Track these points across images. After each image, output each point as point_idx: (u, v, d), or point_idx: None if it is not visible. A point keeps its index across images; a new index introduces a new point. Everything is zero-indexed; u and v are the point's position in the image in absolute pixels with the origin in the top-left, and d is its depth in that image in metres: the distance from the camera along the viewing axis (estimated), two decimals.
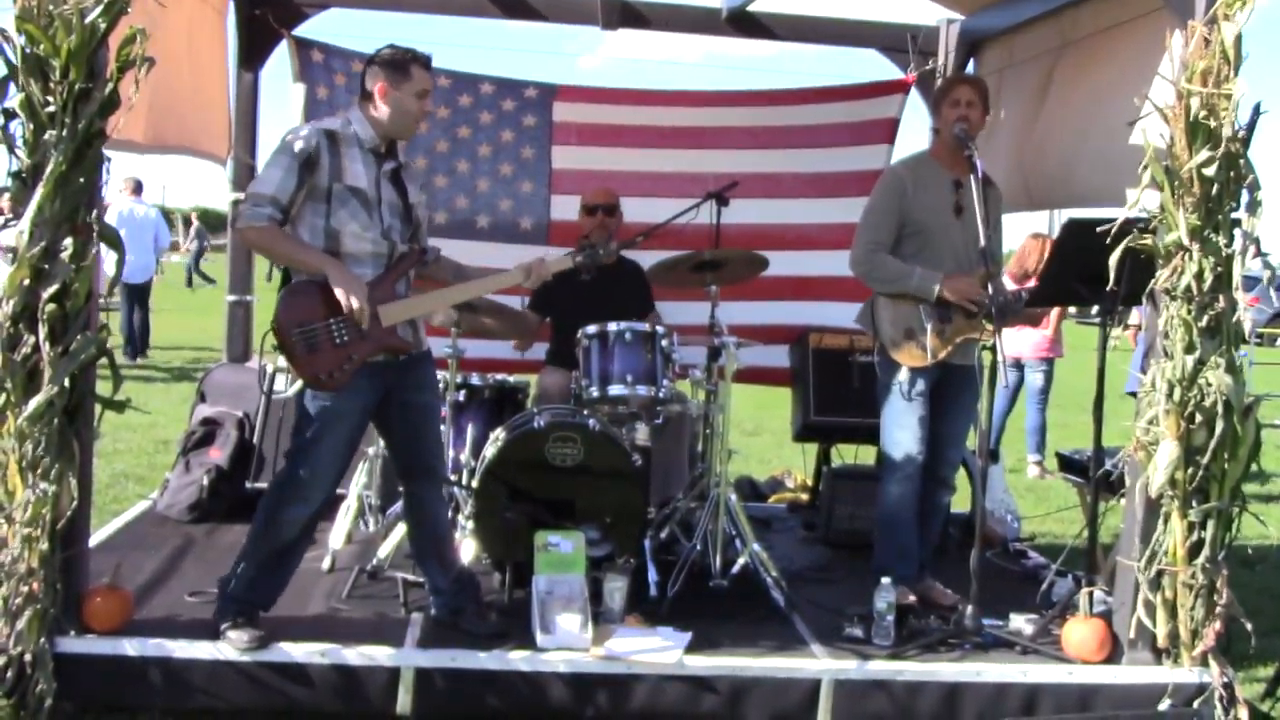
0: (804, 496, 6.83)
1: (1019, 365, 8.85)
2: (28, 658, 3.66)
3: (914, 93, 6.63)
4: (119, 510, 5.95)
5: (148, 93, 3.82)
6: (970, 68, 6.49)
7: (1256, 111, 3.86)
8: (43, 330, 3.60)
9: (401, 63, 3.94)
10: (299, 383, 3.93)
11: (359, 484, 5.28)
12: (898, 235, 4.74)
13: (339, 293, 3.81)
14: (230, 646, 3.85)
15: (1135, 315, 8.99)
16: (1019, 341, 8.76)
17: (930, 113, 4.92)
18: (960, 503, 5.58)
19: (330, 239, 3.91)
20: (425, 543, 4.30)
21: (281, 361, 6.16)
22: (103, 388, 3.89)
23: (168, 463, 6.76)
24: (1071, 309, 8.47)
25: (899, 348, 4.70)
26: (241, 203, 3.90)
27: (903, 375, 4.71)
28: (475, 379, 5.40)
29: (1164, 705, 3.99)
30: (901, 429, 4.74)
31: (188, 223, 30.51)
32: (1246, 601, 4.13)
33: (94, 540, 4.50)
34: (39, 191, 3.58)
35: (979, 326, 4.59)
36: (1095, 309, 4.58)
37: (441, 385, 5.01)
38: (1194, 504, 3.97)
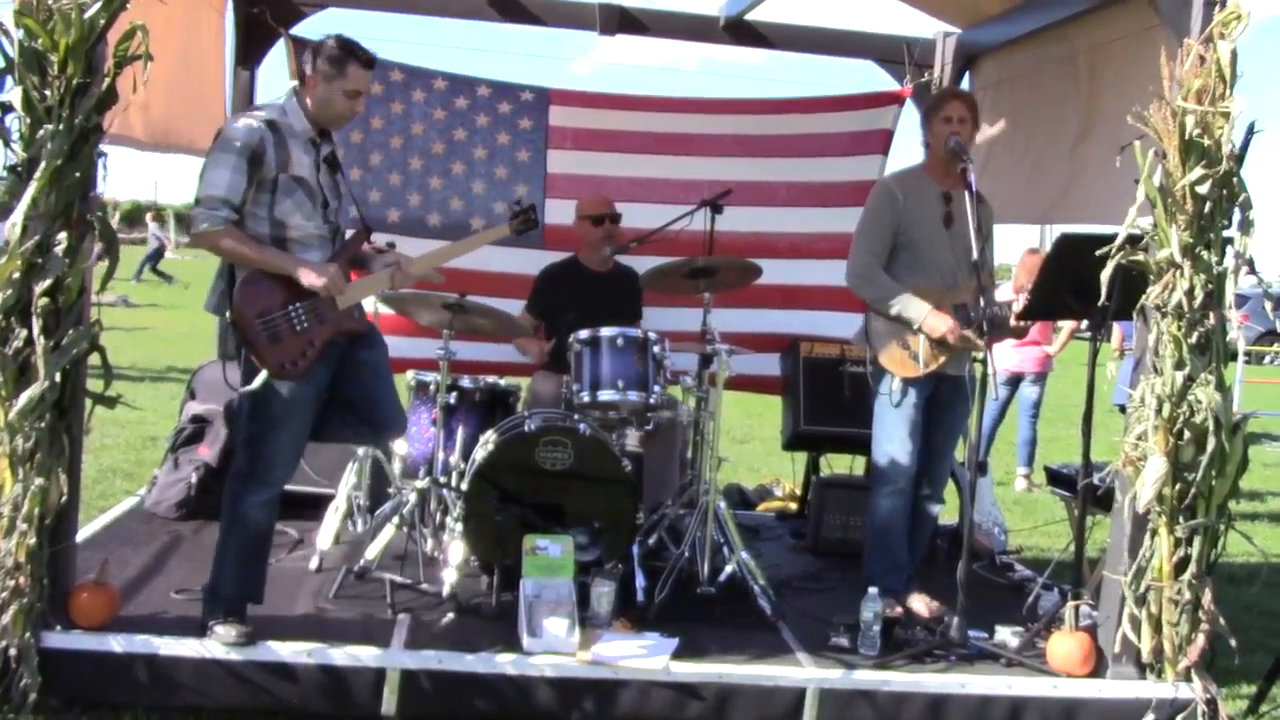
0: (792, 505, 6.83)
1: (1016, 379, 8.90)
2: (12, 652, 3.66)
3: (909, 105, 6.65)
4: (106, 506, 5.93)
5: (146, 90, 3.82)
6: (966, 81, 6.51)
7: (1250, 130, 3.89)
8: (36, 324, 3.60)
9: (339, 59, 3.90)
10: (263, 374, 3.88)
11: (348, 484, 5.28)
12: (890, 245, 4.76)
13: (317, 285, 3.84)
14: (218, 642, 3.84)
15: (1116, 332, 9.03)
16: (1020, 356, 8.81)
17: (921, 125, 4.92)
18: (948, 514, 5.59)
19: (275, 227, 3.91)
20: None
21: None
22: (93, 384, 3.88)
23: (156, 459, 6.74)
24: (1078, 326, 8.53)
25: (892, 357, 4.72)
26: (195, 207, 3.85)
27: (895, 386, 4.73)
28: (466, 381, 5.40)
29: None
30: (893, 441, 4.76)
31: (159, 219, 30.67)
32: (1232, 618, 4.14)
33: (81, 536, 4.49)
34: (33, 185, 3.58)
35: (974, 338, 4.59)
36: (1084, 323, 4.60)
37: (432, 387, 5.00)
38: (1181, 520, 3.98)
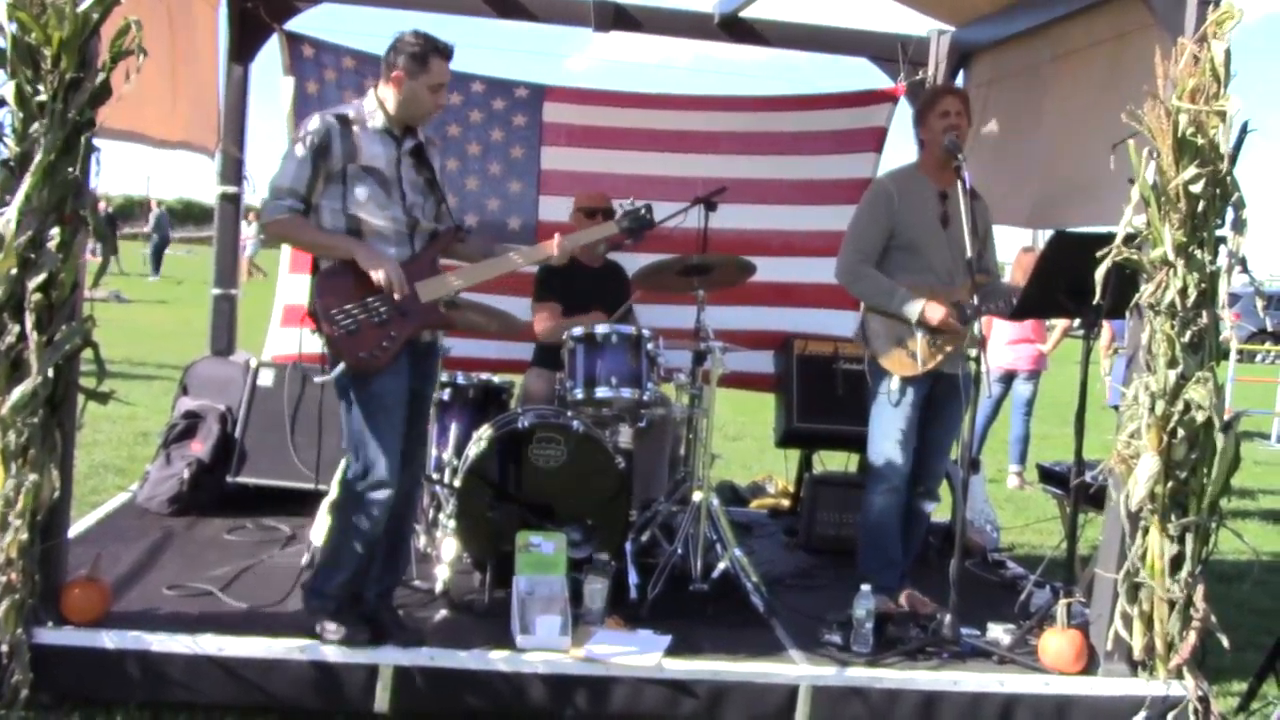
0: (785, 502, 6.84)
1: (1009, 377, 8.91)
2: (4, 648, 3.66)
3: (903, 102, 6.65)
4: (98, 502, 5.92)
5: (140, 85, 3.81)
6: (960, 79, 6.51)
7: (1244, 130, 3.89)
8: (29, 320, 3.59)
9: (421, 54, 3.91)
10: (341, 365, 3.86)
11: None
12: (885, 247, 4.78)
13: (371, 271, 3.83)
14: (329, 638, 3.89)
15: (1105, 332, 9.05)
16: (1013, 354, 8.83)
17: (915, 123, 4.92)
18: (941, 512, 5.60)
19: (350, 220, 3.91)
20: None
21: (266, 355, 6.19)
22: (85, 380, 3.87)
23: (147, 455, 6.74)
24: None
25: (890, 356, 4.73)
26: (266, 200, 3.90)
27: (894, 384, 4.73)
28: (460, 378, 5.40)
29: (1139, 717, 4.02)
30: (889, 439, 4.76)
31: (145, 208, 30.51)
32: (1224, 616, 4.15)
33: (73, 532, 4.48)
34: (27, 180, 3.57)
35: (969, 334, 4.65)
36: (1077, 322, 4.62)
37: None
38: (1173, 517, 3.99)
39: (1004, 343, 8.75)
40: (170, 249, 36.70)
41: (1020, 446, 9.20)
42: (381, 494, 3.94)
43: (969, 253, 4.41)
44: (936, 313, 4.62)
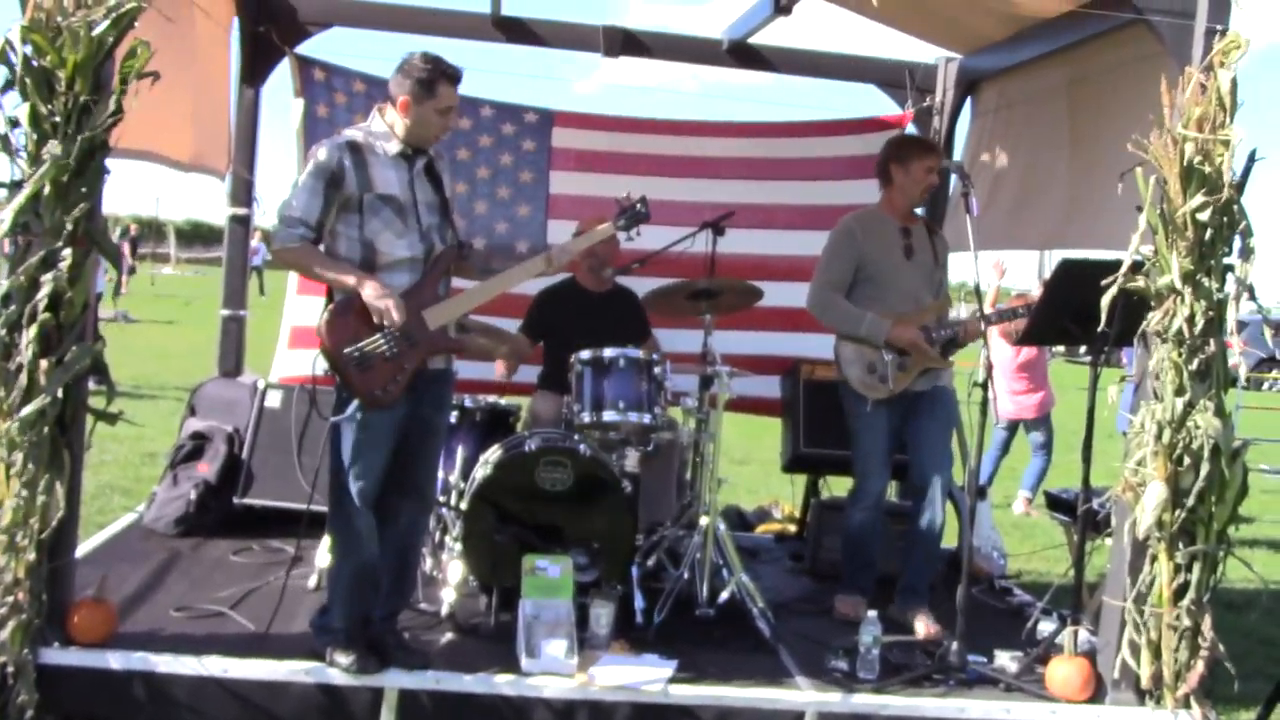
0: (791, 527, 6.83)
1: (1014, 425, 8.97)
2: (10, 668, 3.66)
3: (910, 129, 6.67)
4: (104, 522, 5.92)
5: (152, 107, 3.83)
6: (968, 107, 6.54)
7: (1251, 158, 3.91)
8: (39, 340, 3.60)
9: (429, 80, 3.90)
10: (355, 403, 3.88)
11: None
12: (854, 280, 4.99)
13: (374, 309, 3.83)
14: (337, 669, 3.88)
15: (1122, 359, 9.06)
16: (1015, 405, 8.86)
17: (887, 160, 5.04)
18: (947, 538, 5.58)
19: (366, 249, 3.92)
20: (383, 561, 4.16)
21: (274, 377, 6.19)
22: (93, 400, 3.88)
23: (154, 475, 6.74)
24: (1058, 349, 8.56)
25: (861, 381, 4.92)
26: (275, 225, 3.91)
27: (867, 407, 4.92)
28: (467, 401, 5.41)
29: None
30: (866, 460, 4.98)
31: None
32: (1231, 645, 4.13)
33: (80, 552, 4.47)
34: (29, 186, 3.58)
35: (937, 357, 4.90)
36: (1084, 349, 4.62)
37: None
38: (1180, 545, 3.98)
39: (1006, 393, 8.78)
40: (177, 269, 36.75)
41: (1035, 478, 9.18)
42: (359, 524, 3.95)
43: (977, 279, 4.55)
44: (905, 334, 4.84)
